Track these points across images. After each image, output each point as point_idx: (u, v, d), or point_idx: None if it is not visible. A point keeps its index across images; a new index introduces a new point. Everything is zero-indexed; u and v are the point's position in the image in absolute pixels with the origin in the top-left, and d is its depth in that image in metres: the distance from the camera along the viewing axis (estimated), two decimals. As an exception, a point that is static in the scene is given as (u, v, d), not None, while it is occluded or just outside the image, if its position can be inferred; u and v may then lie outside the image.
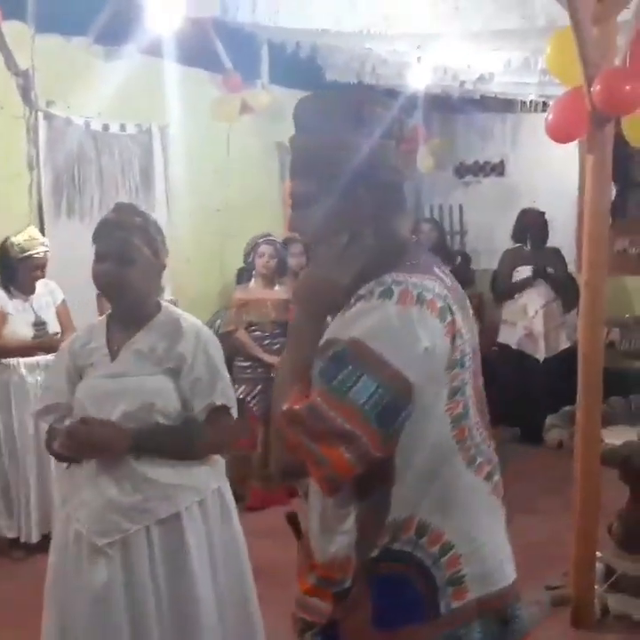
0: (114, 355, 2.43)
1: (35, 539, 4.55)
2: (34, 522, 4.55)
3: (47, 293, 4.82)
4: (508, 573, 1.63)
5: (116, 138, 6.01)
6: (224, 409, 2.48)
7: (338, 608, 1.54)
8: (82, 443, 2.28)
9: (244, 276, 6.03)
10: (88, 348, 2.47)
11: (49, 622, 2.43)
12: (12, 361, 4.59)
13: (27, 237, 4.70)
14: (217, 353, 2.51)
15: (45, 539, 4.41)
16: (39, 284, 4.80)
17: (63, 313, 4.84)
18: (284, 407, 1.48)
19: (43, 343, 4.67)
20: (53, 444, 2.39)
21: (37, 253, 4.66)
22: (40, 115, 5.51)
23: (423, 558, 1.51)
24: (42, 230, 5.38)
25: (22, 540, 4.58)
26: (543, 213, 7.20)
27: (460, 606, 1.53)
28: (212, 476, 2.52)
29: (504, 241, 7.73)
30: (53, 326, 4.75)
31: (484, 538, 1.59)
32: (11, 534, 4.61)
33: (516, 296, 7.07)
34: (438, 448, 1.52)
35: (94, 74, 5.59)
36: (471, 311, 1.66)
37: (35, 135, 5.50)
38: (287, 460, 1.55)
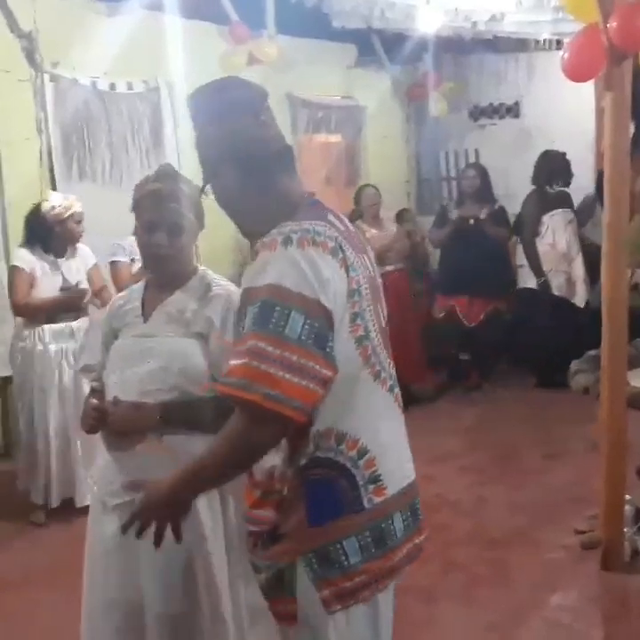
0: (147, 316, 2.47)
1: (55, 503, 4.59)
2: (54, 487, 4.58)
3: (78, 258, 4.77)
4: (411, 471, 1.93)
5: (123, 97, 5.93)
6: None
7: (279, 514, 1.76)
8: (111, 423, 2.33)
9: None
10: (124, 309, 2.51)
11: (85, 578, 2.48)
12: (37, 328, 4.58)
13: (61, 200, 4.65)
14: None
15: (65, 503, 4.52)
16: (70, 250, 4.75)
17: (96, 276, 4.81)
18: (225, 378, 1.69)
19: (66, 300, 4.59)
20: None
21: (78, 210, 4.63)
22: (46, 77, 5.44)
23: (344, 462, 1.74)
24: (54, 194, 5.34)
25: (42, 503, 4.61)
26: (565, 154, 6.89)
27: (381, 501, 1.79)
28: None
29: (520, 184, 7.61)
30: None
31: (391, 441, 1.85)
32: (38, 500, 4.63)
33: (553, 241, 6.72)
34: (347, 366, 1.71)
35: (98, 32, 5.50)
36: (371, 252, 1.97)
37: (42, 98, 5.45)
38: None
